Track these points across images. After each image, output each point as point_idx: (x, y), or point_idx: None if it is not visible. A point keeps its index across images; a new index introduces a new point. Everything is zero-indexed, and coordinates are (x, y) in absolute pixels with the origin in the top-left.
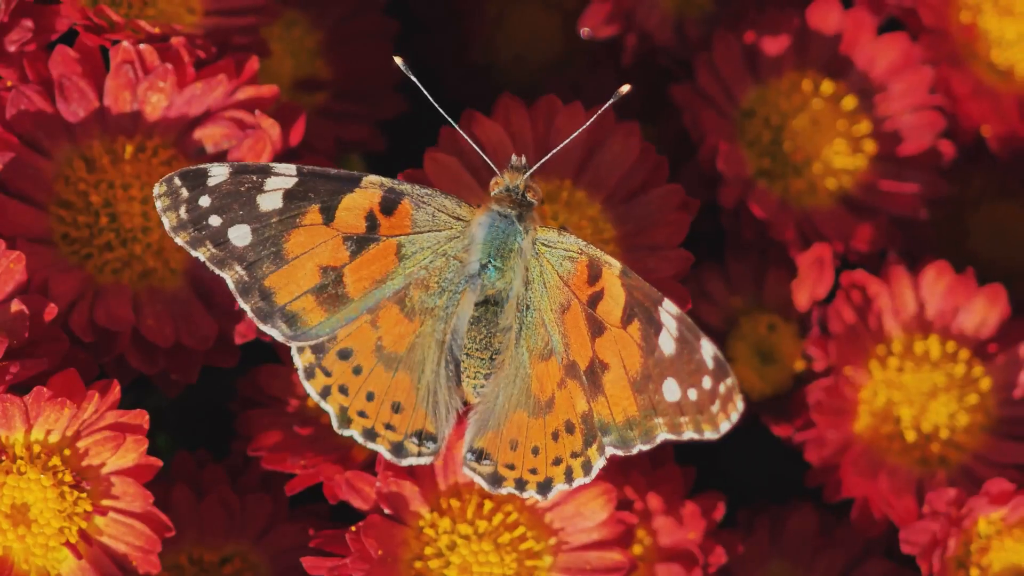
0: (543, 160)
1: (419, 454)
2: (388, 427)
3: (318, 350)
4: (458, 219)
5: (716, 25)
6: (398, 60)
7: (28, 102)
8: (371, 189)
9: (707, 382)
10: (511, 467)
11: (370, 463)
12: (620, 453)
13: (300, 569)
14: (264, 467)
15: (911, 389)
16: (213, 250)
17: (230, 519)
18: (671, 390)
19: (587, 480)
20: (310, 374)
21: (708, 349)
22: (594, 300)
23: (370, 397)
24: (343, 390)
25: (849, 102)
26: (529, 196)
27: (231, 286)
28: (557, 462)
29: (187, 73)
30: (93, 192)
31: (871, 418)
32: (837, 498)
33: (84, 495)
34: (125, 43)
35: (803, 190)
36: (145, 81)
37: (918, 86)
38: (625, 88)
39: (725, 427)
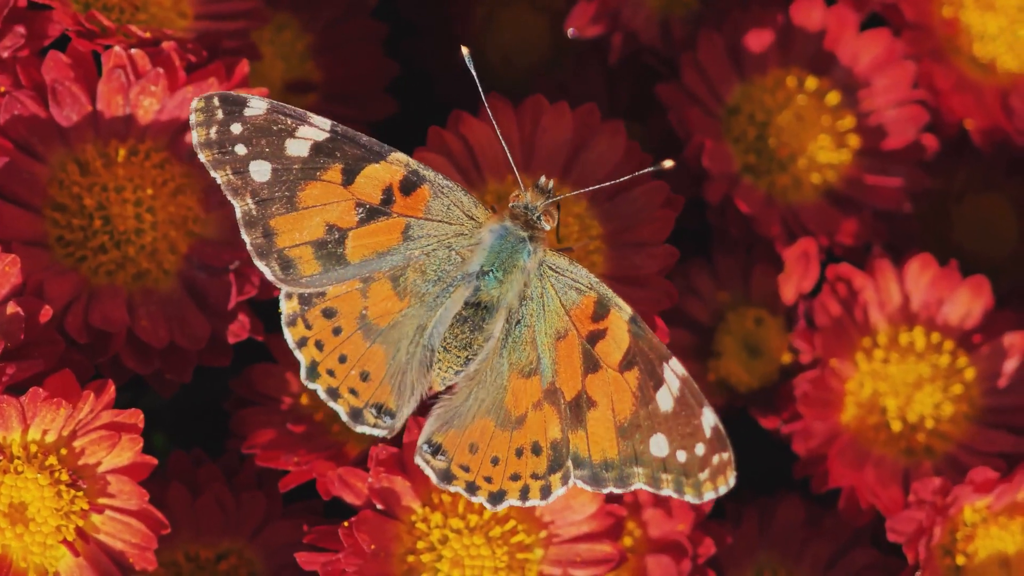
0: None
1: (375, 426)
2: (352, 392)
3: (305, 302)
4: (471, 218)
5: (701, 24)
6: (464, 50)
7: (22, 107)
8: (395, 166)
9: (700, 449)
10: (466, 469)
11: (362, 459)
12: (589, 489)
13: (295, 565)
14: (258, 465)
15: (896, 380)
16: (231, 176)
17: (225, 516)
18: (659, 445)
19: (542, 503)
20: (291, 322)
21: (709, 418)
22: (594, 337)
23: (342, 359)
24: (319, 345)
25: (833, 98)
26: (543, 221)
27: (238, 215)
28: (515, 478)
29: (178, 77)
30: (87, 195)
31: (857, 409)
32: (824, 489)
33: (81, 493)
34: (117, 48)
35: (788, 185)
36: (137, 85)
37: (901, 81)
38: (668, 163)
39: (709, 497)
